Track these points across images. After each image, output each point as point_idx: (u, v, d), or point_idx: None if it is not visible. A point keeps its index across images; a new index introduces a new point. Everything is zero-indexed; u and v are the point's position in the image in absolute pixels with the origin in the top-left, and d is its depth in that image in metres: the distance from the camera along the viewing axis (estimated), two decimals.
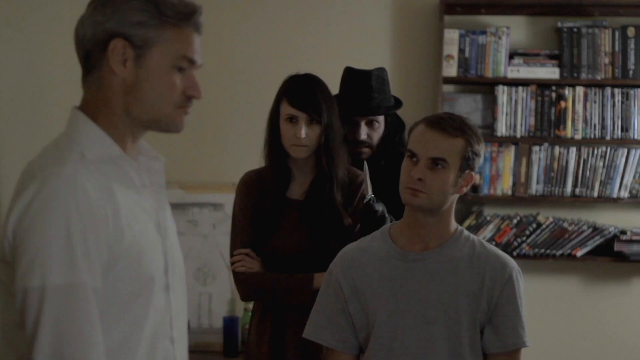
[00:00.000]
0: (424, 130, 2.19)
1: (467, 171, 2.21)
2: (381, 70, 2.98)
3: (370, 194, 2.72)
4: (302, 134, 2.58)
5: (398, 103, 3.01)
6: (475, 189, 4.30)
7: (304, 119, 2.59)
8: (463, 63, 4.30)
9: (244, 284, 2.66)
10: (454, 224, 2.28)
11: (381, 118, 2.93)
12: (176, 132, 1.61)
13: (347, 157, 2.72)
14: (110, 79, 1.55)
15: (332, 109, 2.63)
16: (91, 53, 1.55)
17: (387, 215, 2.74)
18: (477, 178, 4.30)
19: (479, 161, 2.24)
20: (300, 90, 2.62)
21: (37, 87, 3.21)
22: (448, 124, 2.17)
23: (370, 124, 2.92)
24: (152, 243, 1.58)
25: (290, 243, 2.64)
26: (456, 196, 2.25)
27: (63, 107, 1.64)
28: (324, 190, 2.64)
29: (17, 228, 1.45)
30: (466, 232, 2.29)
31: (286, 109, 2.61)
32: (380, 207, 2.72)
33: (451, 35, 4.29)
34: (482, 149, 2.23)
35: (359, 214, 2.70)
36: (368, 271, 2.26)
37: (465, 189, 2.24)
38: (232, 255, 2.70)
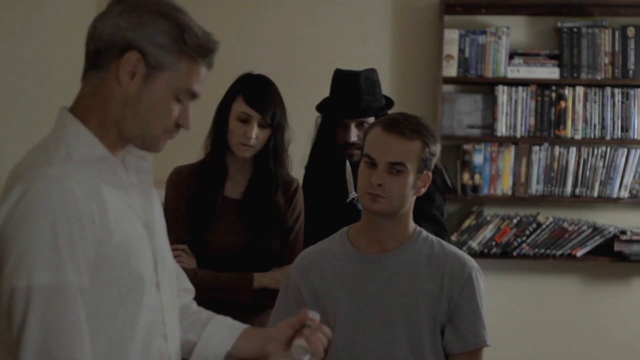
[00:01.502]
0: (381, 134, 2.17)
1: (424, 172, 2.20)
2: (370, 72, 2.97)
3: (353, 193, 2.73)
4: (253, 135, 2.58)
5: (389, 103, 3.00)
6: (475, 189, 4.31)
7: (257, 120, 2.59)
8: (463, 63, 4.30)
9: None
10: (412, 225, 2.27)
11: (371, 119, 2.92)
12: (155, 152, 1.61)
13: (288, 162, 2.71)
14: (112, 85, 1.54)
15: (283, 112, 2.64)
16: (102, 52, 1.54)
17: None
18: (477, 178, 4.30)
19: (435, 160, 2.23)
20: (257, 91, 2.62)
21: (37, 87, 3.21)
22: (405, 127, 2.16)
23: (360, 126, 2.91)
24: (140, 242, 1.58)
25: (227, 242, 2.62)
26: (414, 198, 2.23)
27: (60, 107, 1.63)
28: (265, 191, 2.64)
29: (3, 229, 1.45)
30: (424, 233, 2.28)
31: (240, 107, 2.60)
32: None
33: (451, 35, 4.29)
34: (438, 148, 2.22)
35: (344, 213, 2.70)
36: (327, 274, 2.24)
37: (423, 190, 2.23)
38: None
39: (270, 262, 2.64)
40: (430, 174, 2.22)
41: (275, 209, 2.64)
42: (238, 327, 1.80)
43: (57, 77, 3.25)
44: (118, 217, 1.53)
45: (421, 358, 2.18)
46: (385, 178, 2.15)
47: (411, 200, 2.22)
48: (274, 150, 2.62)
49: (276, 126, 2.61)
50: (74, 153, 1.52)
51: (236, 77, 2.75)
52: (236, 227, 2.63)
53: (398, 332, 2.17)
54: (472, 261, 2.24)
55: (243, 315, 2.61)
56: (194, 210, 2.64)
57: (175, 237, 2.62)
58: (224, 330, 1.78)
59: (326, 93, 3.02)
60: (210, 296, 2.58)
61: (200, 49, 1.56)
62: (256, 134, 2.58)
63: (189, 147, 2.88)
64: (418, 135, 2.16)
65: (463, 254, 2.26)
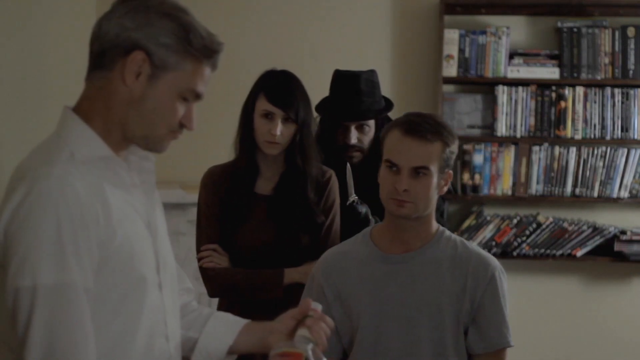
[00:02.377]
0: (401, 138, 2.17)
1: (446, 170, 2.20)
2: (370, 73, 2.96)
3: (353, 196, 2.72)
4: (278, 132, 2.56)
5: (389, 105, 2.99)
6: (475, 189, 4.31)
7: (280, 116, 2.57)
8: (463, 63, 4.30)
9: (213, 280, 2.61)
10: (434, 225, 2.27)
11: (371, 121, 2.91)
12: (159, 152, 1.62)
13: (320, 155, 2.69)
14: (117, 85, 1.54)
15: (307, 107, 2.62)
16: (107, 52, 1.54)
17: (370, 216, 2.73)
18: (477, 178, 4.30)
19: (454, 157, 2.23)
20: (278, 87, 2.60)
21: (37, 86, 3.21)
22: (425, 129, 2.15)
23: (360, 128, 2.90)
24: (142, 242, 1.58)
25: (259, 238, 2.61)
26: (437, 197, 2.23)
27: (62, 106, 1.63)
28: (295, 186, 2.62)
29: (7, 229, 1.45)
30: (447, 232, 2.28)
31: (263, 105, 2.59)
32: (363, 209, 2.71)
33: (451, 35, 4.30)
34: (457, 144, 2.22)
35: (343, 215, 2.70)
36: (350, 275, 2.24)
37: (445, 188, 2.23)
38: (198, 251, 2.65)
39: (301, 257, 2.62)
40: (451, 171, 2.22)
41: (306, 204, 2.62)
42: (239, 321, 1.80)
43: (57, 77, 3.25)
44: (121, 218, 1.53)
45: (444, 358, 2.17)
46: (410, 183, 2.14)
47: (434, 200, 2.22)
48: (300, 146, 2.60)
49: (301, 121, 2.59)
50: (77, 153, 1.52)
51: (236, 77, 2.75)
52: (266, 224, 2.63)
53: (421, 332, 2.17)
54: (495, 261, 2.23)
55: (275, 310, 2.62)
56: (226, 209, 2.64)
57: (207, 237, 2.64)
58: (225, 325, 1.78)
59: (327, 93, 3.01)
60: (242, 294, 2.60)
61: (205, 49, 1.56)
62: (281, 130, 2.56)
63: (205, 148, 2.87)
64: (438, 137, 2.16)
65: (486, 254, 2.25)
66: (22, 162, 1.54)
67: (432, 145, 2.15)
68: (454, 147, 2.20)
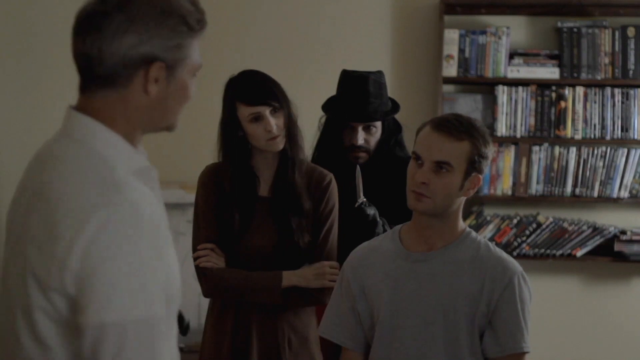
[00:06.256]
0: (430, 133, 2.18)
1: (473, 174, 2.18)
2: (378, 75, 2.95)
3: (362, 198, 2.71)
4: (273, 126, 2.55)
5: (395, 106, 2.99)
6: None
7: (268, 112, 2.56)
8: (463, 63, 4.30)
9: (210, 280, 2.59)
10: (461, 226, 2.27)
11: (378, 123, 2.91)
12: (171, 131, 1.60)
13: (302, 139, 2.67)
14: (139, 98, 1.50)
15: (280, 90, 2.61)
16: (120, 73, 1.48)
17: (378, 219, 2.73)
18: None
19: (487, 163, 2.22)
20: (250, 87, 2.59)
21: (37, 86, 3.21)
22: (453, 127, 2.15)
23: (367, 129, 2.89)
24: (176, 265, 1.53)
25: (260, 241, 2.61)
26: (463, 199, 2.23)
27: (62, 106, 1.62)
28: (287, 177, 2.61)
29: (84, 262, 1.38)
30: (474, 234, 2.28)
31: (246, 110, 2.57)
32: (371, 211, 2.71)
33: (451, 35, 4.30)
34: (490, 151, 2.21)
35: (351, 217, 2.70)
36: (375, 270, 2.27)
37: (471, 192, 2.22)
38: (194, 250, 2.64)
39: (301, 259, 2.62)
40: (480, 176, 2.20)
41: (295, 192, 2.61)
42: None
43: (57, 77, 3.25)
44: (169, 239, 1.50)
45: (458, 359, 2.18)
46: (430, 176, 2.15)
47: (459, 202, 2.22)
48: (289, 130, 2.60)
49: (284, 105, 2.59)
50: (121, 168, 1.47)
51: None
52: (268, 226, 2.62)
53: (435, 331, 2.18)
54: (516, 266, 2.23)
55: (271, 312, 2.61)
56: (225, 210, 2.63)
57: (205, 236, 2.63)
58: None
59: (327, 92, 3.01)
60: (239, 296, 2.59)
61: (199, 23, 1.54)
62: (275, 123, 2.56)
63: (204, 148, 2.85)
64: (467, 137, 2.16)
65: (508, 258, 2.25)
66: (69, 196, 1.44)
67: (459, 143, 2.15)
68: (485, 152, 2.19)
